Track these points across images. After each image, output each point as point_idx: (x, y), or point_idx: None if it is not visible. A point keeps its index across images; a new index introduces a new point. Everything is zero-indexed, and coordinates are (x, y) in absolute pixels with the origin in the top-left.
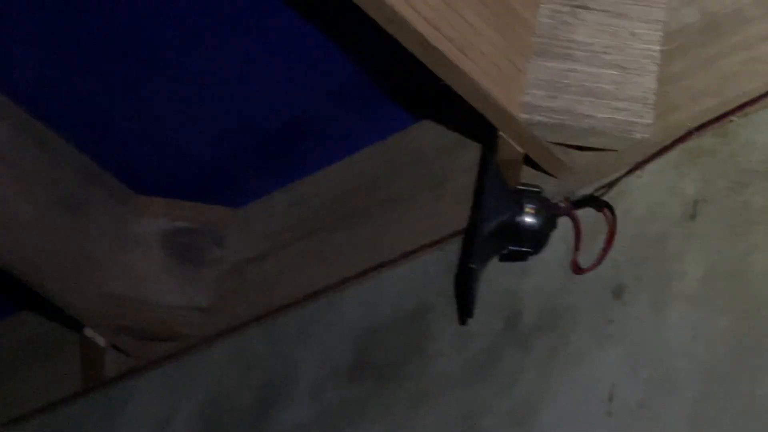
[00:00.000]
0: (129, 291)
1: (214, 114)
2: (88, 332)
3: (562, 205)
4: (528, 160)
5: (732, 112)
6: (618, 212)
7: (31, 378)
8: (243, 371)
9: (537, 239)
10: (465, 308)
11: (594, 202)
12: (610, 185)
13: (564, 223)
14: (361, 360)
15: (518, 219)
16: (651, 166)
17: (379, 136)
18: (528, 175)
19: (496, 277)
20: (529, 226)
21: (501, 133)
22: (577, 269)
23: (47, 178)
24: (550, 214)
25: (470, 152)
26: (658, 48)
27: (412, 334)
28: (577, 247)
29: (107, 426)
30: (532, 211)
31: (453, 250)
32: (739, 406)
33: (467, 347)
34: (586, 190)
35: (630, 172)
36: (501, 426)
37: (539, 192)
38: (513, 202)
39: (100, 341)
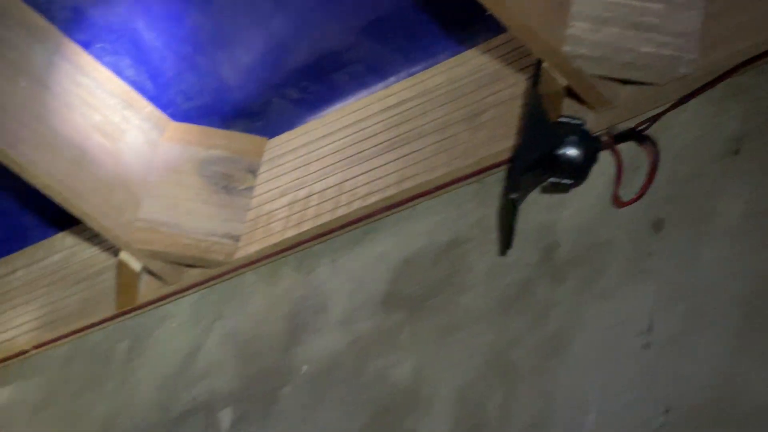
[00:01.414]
0: (163, 217)
1: (249, 45)
2: (124, 256)
3: (604, 138)
4: (570, 93)
5: None
6: (660, 147)
7: (67, 300)
8: (274, 299)
9: (577, 172)
10: (504, 239)
11: (636, 136)
12: (653, 120)
13: (604, 157)
14: (393, 290)
15: (559, 151)
16: (694, 102)
17: (414, 68)
18: (570, 108)
19: (534, 209)
20: (570, 159)
21: (544, 65)
22: (618, 203)
23: (85, 102)
24: (591, 147)
25: (509, 85)
26: None
27: (446, 265)
28: (617, 181)
29: (139, 349)
30: (573, 144)
31: (489, 182)
32: None
33: (501, 279)
34: (628, 125)
35: (673, 107)
36: (531, 357)
37: (581, 125)
38: (554, 134)
39: (135, 266)
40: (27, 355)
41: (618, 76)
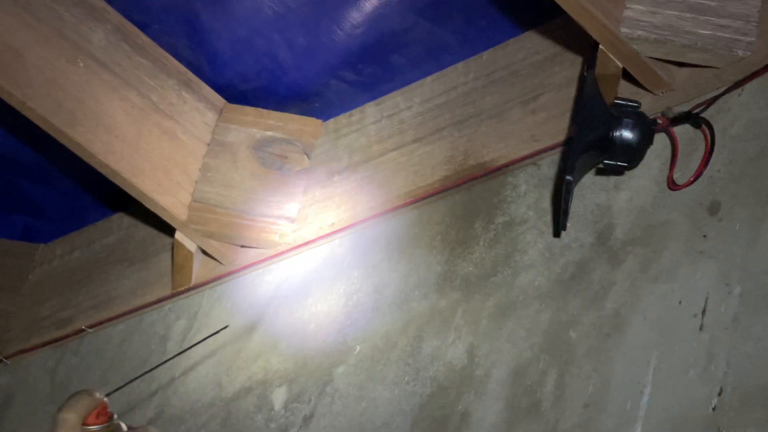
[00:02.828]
0: (219, 197)
1: (306, 26)
2: (179, 236)
3: (660, 121)
4: (626, 75)
5: None
6: (716, 130)
7: (122, 280)
8: (329, 280)
9: (632, 154)
10: (559, 221)
11: (692, 118)
12: (709, 103)
13: (660, 140)
14: (448, 271)
15: (615, 133)
16: (751, 85)
17: (472, 51)
18: (626, 90)
19: (589, 191)
20: (626, 141)
21: (601, 47)
22: (673, 185)
23: (142, 82)
24: (646, 129)
25: (565, 68)
26: None
27: (501, 247)
28: (673, 163)
29: (195, 328)
30: (629, 126)
31: (545, 164)
32: None
33: (557, 260)
34: (684, 107)
35: (730, 89)
36: (589, 337)
37: (637, 107)
38: (610, 116)
39: (190, 246)
40: (84, 333)
41: (675, 59)
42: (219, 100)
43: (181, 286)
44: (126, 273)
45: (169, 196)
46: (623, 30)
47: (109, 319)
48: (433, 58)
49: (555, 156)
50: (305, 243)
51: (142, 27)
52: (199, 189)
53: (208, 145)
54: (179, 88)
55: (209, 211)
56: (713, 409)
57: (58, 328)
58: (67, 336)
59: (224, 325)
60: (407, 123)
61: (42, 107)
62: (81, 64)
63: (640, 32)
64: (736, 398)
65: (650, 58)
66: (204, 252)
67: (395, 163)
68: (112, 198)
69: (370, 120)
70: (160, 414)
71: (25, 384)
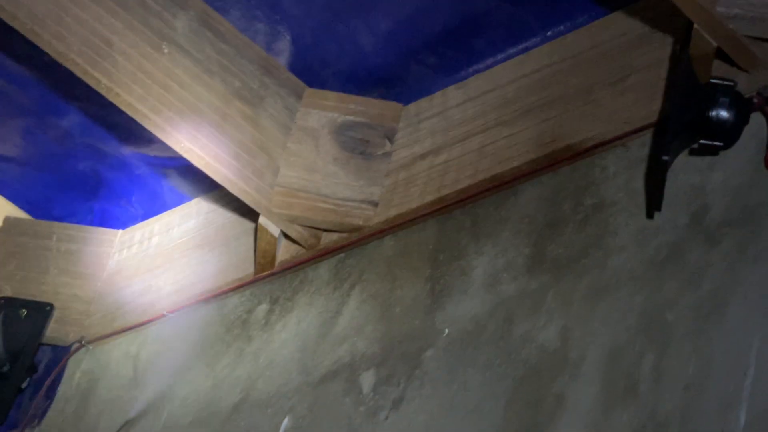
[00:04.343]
0: (301, 182)
1: (387, 11)
2: (263, 221)
3: (755, 100)
4: (720, 54)
5: None
6: None
7: (203, 264)
8: (415, 264)
9: (728, 133)
10: (653, 201)
11: None
12: None
13: (755, 120)
14: (537, 253)
15: (710, 113)
16: None
17: (555, 33)
18: (720, 69)
19: (682, 172)
20: (721, 120)
21: (695, 26)
22: None
23: (225, 68)
24: (742, 108)
25: (654, 48)
26: None
27: (592, 228)
28: None
29: (279, 313)
30: (725, 105)
31: (635, 146)
32: None
33: (650, 242)
34: None
35: None
36: (687, 319)
37: (732, 86)
38: (705, 96)
39: (274, 230)
40: (165, 318)
41: None
42: (300, 85)
43: (264, 271)
44: (206, 258)
45: (252, 181)
46: (719, 9)
47: (190, 304)
48: (515, 41)
49: (644, 138)
50: (389, 228)
51: (223, 13)
52: (281, 174)
53: (290, 129)
54: (261, 74)
55: (292, 196)
56: None
57: (139, 313)
58: (148, 321)
59: None
60: (490, 105)
61: (129, 93)
62: (165, 51)
63: (737, 10)
64: None
65: (746, 36)
66: (287, 236)
67: (480, 146)
68: (195, 183)
69: (452, 103)
70: (246, 398)
71: (108, 369)
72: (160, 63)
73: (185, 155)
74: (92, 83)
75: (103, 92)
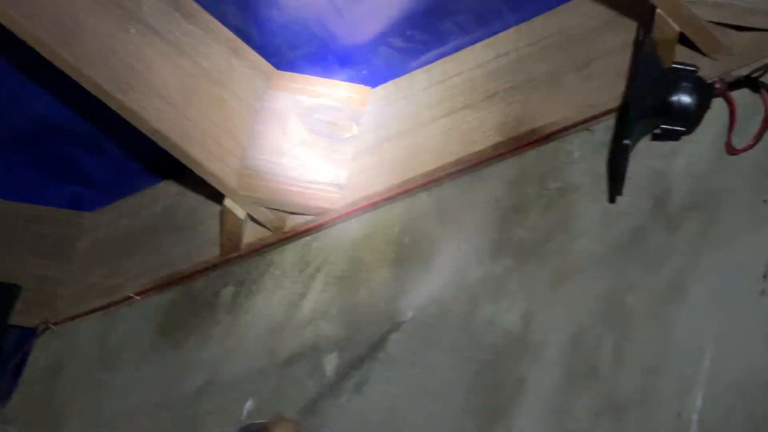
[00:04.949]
0: (268, 164)
1: None
2: (228, 203)
3: (718, 85)
4: (683, 40)
5: None
6: None
7: (171, 247)
8: (380, 247)
9: (690, 119)
10: (615, 186)
11: (751, 83)
12: None
13: (718, 105)
14: (502, 237)
15: (672, 98)
16: None
17: (522, 17)
18: (683, 55)
19: (645, 157)
20: (683, 105)
21: (659, 10)
22: (731, 150)
23: (193, 49)
24: (704, 94)
25: (619, 33)
26: None
27: (556, 213)
28: (731, 128)
29: (245, 295)
30: (687, 90)
31: (600, 130)
32: None
33: (613, 226)
34: (743, 72)
35: None
36: (648, 304)
37: (695, 71)
38: (667, 80)
39: (239, 213)
40: (132, 300)
41: (735, 22)
42: (268, 67)
43: (230, 253)
44: (174, 240)
45: (219, 163)
46: None
47: (158, 286)
48: (483, 25)
49: (609, 122)
50: (355, 210)
51: None
52: (248, 156)
53: (258, 112)
54: (229, 55)
55: (259, 178)
56: None
57: (106, 295)
58: (115, 303)
59: None
60: (457, 89)
61: (97, 74)
62: (133, 31)
63: None
64: None
65: (709, 21)
66: (253, 219)
67: (446, 129)
68: (160, 166)
69: (419, 87)
70: (211, 381)
71: (75, 351)
72: (128, 43)
73: (152, 137)
74: (59, 63)
75: (71, 73)
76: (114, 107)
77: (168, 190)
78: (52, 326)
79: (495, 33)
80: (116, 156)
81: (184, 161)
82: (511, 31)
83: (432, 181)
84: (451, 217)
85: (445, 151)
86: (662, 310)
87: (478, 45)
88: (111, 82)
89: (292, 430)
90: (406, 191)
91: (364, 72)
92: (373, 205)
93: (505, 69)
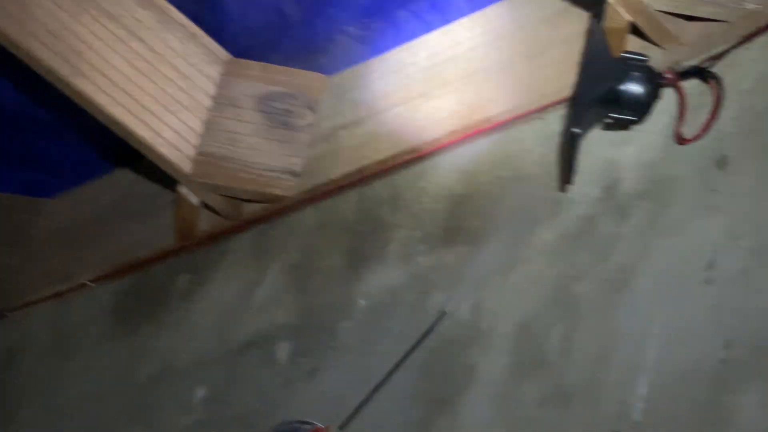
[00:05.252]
0: (223, 151)
1: None
2: (183, 190)
3: (668, 75)
4: (635, 30)
5: None
6: (725, 84)
7: (127, 235)
8: (334, 234)
9: (640, 108)
10: (565, 174)
11: (701, 73)
12: (718, 57)
13: (668, 95)
14: (455, 225)
15: (622, 87)
16: (761, 39)
17: (477, 6)
18: (634, 45)
19: (596, 146)
20: (633, 95)
21: (610, 0)
22: (681, 139)
23: (148, 34)
24: (654, 83)
25: (572, 23)
26: None
27: (509, 201)
28: (681, 118)
29: (200, 282)
30: (637, 80)
31: (552, 119)
32: None
33: (564, 214)
34: (694, 62)
35: (739, 44)
36: (596, 291)
37: (645, 61)
38: (618, 70)
39: (194, 200)
40: (88, 287)
41: (685, 12)
42: (224, 54)
43: (185, 241)
44: (130, 228)
45: (173, 149)
46: None
47: (114, 273)
48: (438, 13)
49: (562, 111)
50: (309, 198)
51: None
52: (203, 143)
53: (213, 98)
54: (184, 41)
55: (214, 165)
56: (721, 361)
57: (61, 282)
58: (70, 290)
59: (442, 313)
60: (412, 78)
61: (48, 58)
62: (87, 15)
63: None
64: (744, 351)
65: (659, 11)
66: (208, 207)
67: (400, 117)
68: (117, 153)
69: (375, 75)
70: (164, 368)
71: (30, 338)
72: (81, 27)
73: (105, 122)
74: (11, 47)
75: (23, 57)
76: (66, 92)
77: (126, 177)
78: (7, 314)
79: (450, 21)
80: (74, 143)
81: (137, 147)
82: (465, 20)
83: (386, 170)
84: (405, 205)
85: (400, 140)
86: (610, 298)
87: (434, 33)
88: (63, 66)
89: None
90: (361, 179)
91: (321, 60)
92: (328, 194)
93: (460, 58)
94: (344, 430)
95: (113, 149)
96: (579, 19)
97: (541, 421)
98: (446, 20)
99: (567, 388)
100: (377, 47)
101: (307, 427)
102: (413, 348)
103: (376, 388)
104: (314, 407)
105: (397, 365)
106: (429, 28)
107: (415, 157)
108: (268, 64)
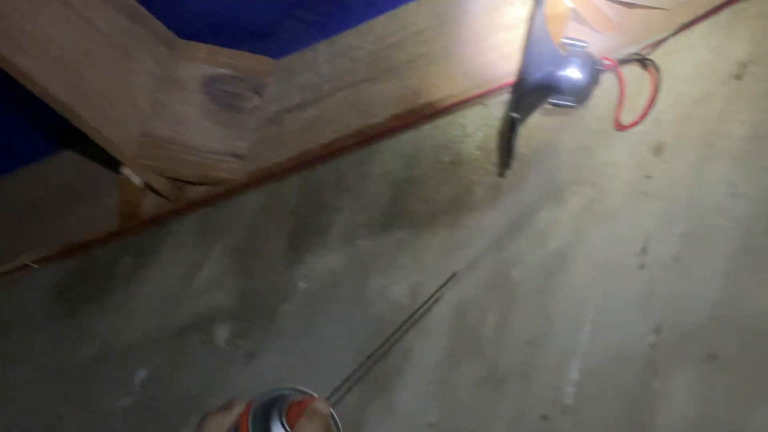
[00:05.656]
0: (168, 132)
1: None
2: (126, 171)
3: (607, 62)
4: (575, 16)
5: None
6: (664, 72)
7: (70, 217)
8: (277, 217)
9: (579, 94)
10: (504, 160)
11: (639, 60)
12: (657, 44)
13: (607, 81)
14: (396, 209)
15: (561, 72)
16: (700, 27)
17: None
18: (574, 31)
19: (535, 132)
20: (572, 80)
21: None
22: (619, 126)
23: (93, 14)
24: (593, 69)
25: (516, 8)
26: None
27: (449, 186)
28: (619, 104)
29: (142, 265)
30: (576, 65)
31: (493, 104)
32: None
33: (503, 200)
34: (633, 49)
35: (678, 31)
36: (532, 276)
37: (584, 47)
38: (557, 55)
39: (137, 181)
40: (30, 269)
41: (626, 0)
42: (170, 35)
43: (128, 223)
44: (75, 209)
45: (116, 130)
46: None
47: (57, 255)
48: None
49: (503, 96)
50: (254, 181)
51: None
52: (149, 124)
53: (159, 80)
54: (130, 23)
55: (158, 147)
56: (651, 346)
57: (3, 263)
58: (12, 271)
59: (452, 273)
60: (359, 62)
61: None
62: None
63: None
64: (673, 336)
65: None
66: (151, 188)
67: (346, 101)
68: (62, 134)
69: (322, 59)
70: (106, 350)
71: None
72: (22, 4)
73: (47, 101)
74: None
75: None
76: (7, 69)
77: (70, 158)
78: None
79: (397, 6)
80: (17, 123)
81: (80, 126)
82: (412, 4)
83: (331, 153)
84: (348, 188)
85: (344, 124)
86: (546, 283)
87: (381, 17)
88: (3, 43)
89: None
90: (304, 163)
91: (269, 43)
92: (272, 177)
93: (406, 42)
94: (332, 401)
95: (58, 130)
96: (523, 5)
97: (474, 405)
98: (394, 4)
99: (501, 372)
100: (325, 31)
101: (298, 395)
102: (417, 311)
103: (368, 359)
104: (253, 389)
105: (395, 333)
106: (378, 11)
107: (359, 141)
108: (215, 47)
